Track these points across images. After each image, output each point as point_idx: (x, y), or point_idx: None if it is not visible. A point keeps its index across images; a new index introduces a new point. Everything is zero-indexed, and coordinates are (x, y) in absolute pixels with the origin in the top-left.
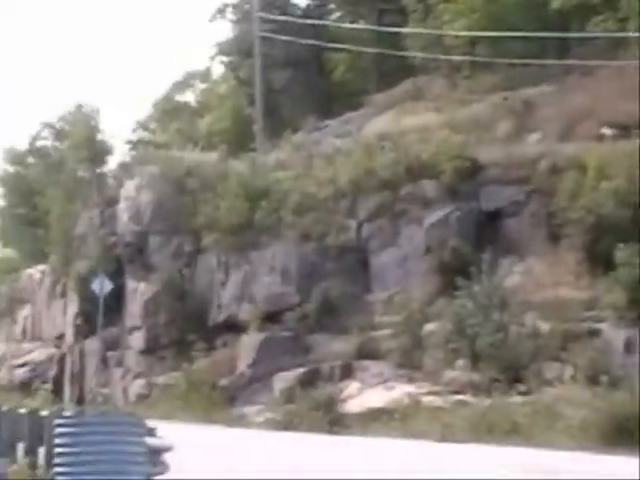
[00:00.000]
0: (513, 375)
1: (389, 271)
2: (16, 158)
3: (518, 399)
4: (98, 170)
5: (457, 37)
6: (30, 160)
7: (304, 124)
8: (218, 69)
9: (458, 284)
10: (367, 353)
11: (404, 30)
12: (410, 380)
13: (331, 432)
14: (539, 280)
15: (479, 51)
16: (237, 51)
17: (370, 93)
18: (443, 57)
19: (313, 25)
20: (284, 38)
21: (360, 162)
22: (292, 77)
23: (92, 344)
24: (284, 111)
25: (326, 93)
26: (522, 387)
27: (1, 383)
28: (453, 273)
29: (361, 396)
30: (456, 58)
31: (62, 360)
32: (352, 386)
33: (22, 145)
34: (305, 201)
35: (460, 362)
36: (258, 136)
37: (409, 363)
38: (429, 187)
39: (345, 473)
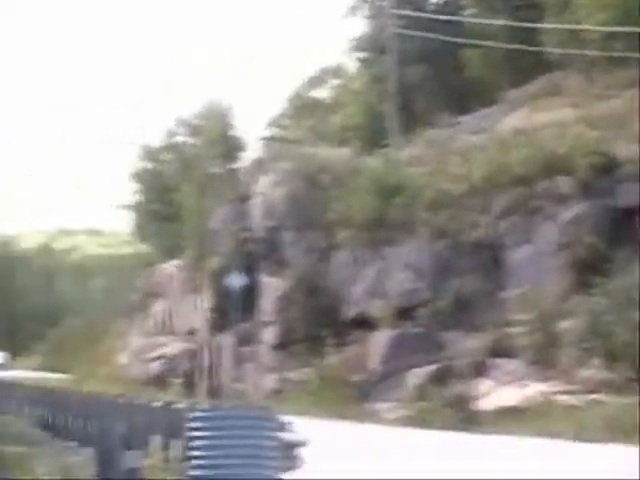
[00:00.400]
0: None
1: (523, 268)
2: (151, 155)
3: None
4: (231, 166)
5: (594, 32)
6: (165, 157)
7: (438, 120)
8: (352, 65)
9: (593, 281)
10: (500, 350)
11: (540, 25)
12: (544, 378)
13: (463, 430)
14: None
15: (616, 46)
16: (371, 47)
17: (504, 89)
18: (579, 52)
19: (447, 21)
20: (418, 34)
21: (495, 158)
22: (426, 73)
23: (226, 339)
24: (418, 107)
25: (460, 89)
26: None
27: (136, 377)
28: (588, 270)
29: (494, 394)
30: (593, 53)
31: (195, 354)
32: (485, 384)
33: (157, 142)
34: (439, 197)
35: (595, 361)
36: (392, 132)
37: (543, 361)
38: (564, 183)
39: (478, 473)
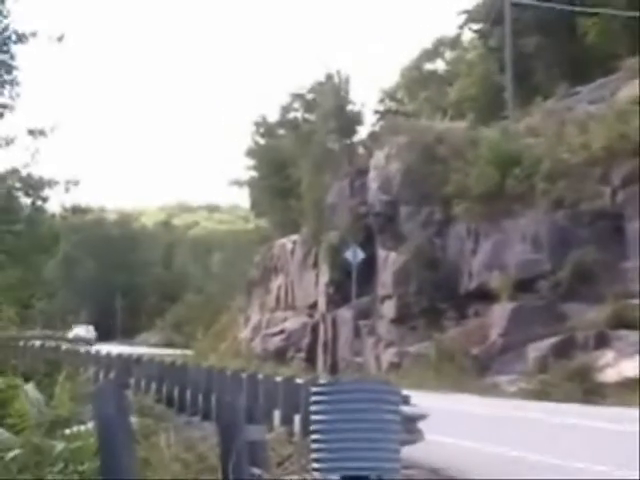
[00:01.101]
0: None
1: None
2: (267, 130)
3: None
4: (348, 140)
5: None
6: (281, 132)
7: (556, 90)
8: (467, 36)
9: None
10: (623, 322)
11: None
12: None
13: (586, 402)
14: None
15: None
16: (486, 18)
17: (623, 57)
18: None
19: None
20: (534, 3)
21: (614, 127)
22: (543, 43)
23: (344, 313)
24: (535, 77)
25: (578, 58)
26: None
27: (256, 351)
28: None
29: (617, 366)
30: None
31: (315, 329)
32: (607, 355)
33: (273, 117)
34: (557, 168)
35: None
36: (509, 103)
37: None
38: None
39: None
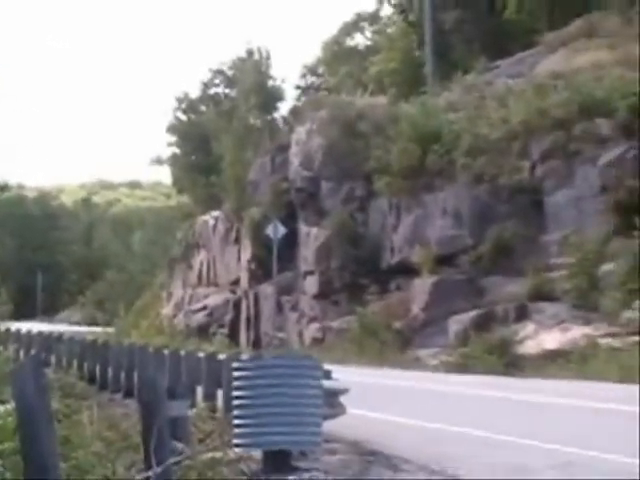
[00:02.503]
0: None
1: (564, 211)
2: (188, 106)
3: None
4: (269, 116)
5: None
6: (202, 108)
7: (475, 65)
8: (387, 11)
9: (635, 224)
10: (542, 294)
11: None
12: (586, 321)
13: (506, 374)
14: None
15: None
16: None
17: (541, 32)
18: None
19: None
20: None
21: (533, 102)
22: (462, 17)
23: (267, 289)
24: (454, 52)
25: (497, 33)
26: None
27: (179, 328)
28: (629, 213)
29: (537, 338)
30: None
31: (238, 305)
32: (527, 328)
33: (194, 93)
34: (477, 143)
35: (638, 302)
36: (429, 78)
37: (585, 304)
38: (604, 126)
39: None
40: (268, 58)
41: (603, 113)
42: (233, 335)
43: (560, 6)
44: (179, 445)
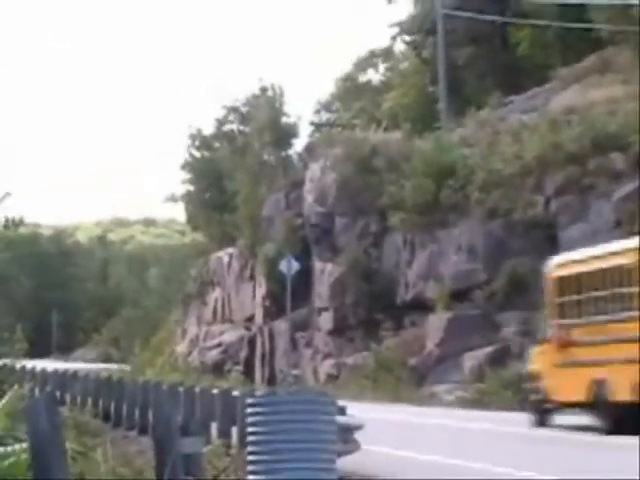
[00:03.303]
0: None
1: (578, 246)
2: (202, 143)
3: None
4: (283, 153)
5: None
6: (216, 144)
7: (489, 100)
8: (400, 47)
9: None
10: None
11: (590, 2)
12: None
13: (522, 410)
14: None
15: None
16: (419, 29)
17: (555, 67)
18: (630, 28)
19: (496, 0)
20: (466, 14)
21: (546, 137)
22: (475, 53)
23: (281, 325)
24: (468, 88)
25: (510, 69)
26: None
27: (194, 365)
28: None
29: None
30: None
31: (252, 341)
32: None
33: (208, 129)
34: (491, 178)
35: None
36: (442, 114)
37: None
38: (617, 160)
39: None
40: (282, 95)
41: (617, 147)
42: (248, 372)
43: (573, 42)
44: None
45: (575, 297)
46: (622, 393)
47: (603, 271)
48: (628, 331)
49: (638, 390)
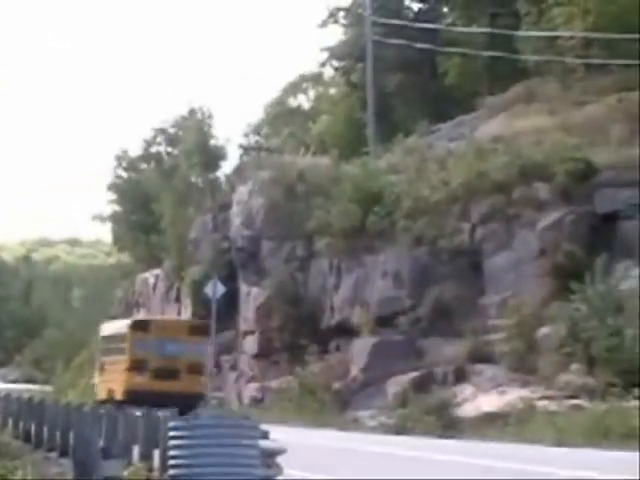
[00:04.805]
0: (630, 379)
1: (503, 274)
2: (129, 164)
3: (635, 403)
4: (211, 175)
5: (570, 39)
6: (143, 166)
7: (416, 127)
8: (330, 72)
9: (572, 288)
10: (481, 357)
11: (517, 33)
12: (524, 384)
13: (445, 437)
14: None
15: (593, 52)
16: (349, 55)
17: (482, 96)
18: (557, 59)
19: (426, 29)
20: (396, 42)
21: (473, 165)
22: (404, 81)
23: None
24: (396, 114)
25: (438, 96)
26: (638, 391)
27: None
28: (567, 277)
29: (475, 400)
30: (570, 60)
31: None
32: (466, 390)
33: (135, 151)
34: (418, 205)
35: (575, 366)
36: (370, 140)
37: (523, 367)
38: (542, 190)
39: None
40: (210, 117)
41: (542, 177)
42: None
43: (501, 71)
44: None
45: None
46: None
47: (116, 335)
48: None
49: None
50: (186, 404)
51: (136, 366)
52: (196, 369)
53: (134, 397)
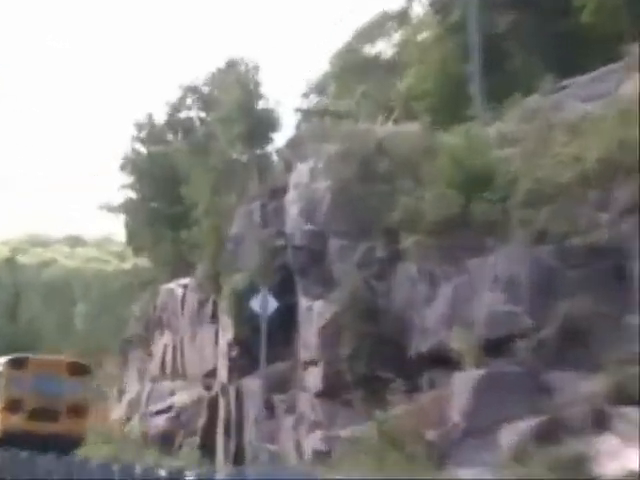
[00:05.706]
0: None
1: None
2: (151, 135)
3: None
4: (259, 150)
5: None
6: (169, 137)
7: (538, 83)
8: (420, 9)
9: None
10: (628, 396)
11: None
12: None
13: None
14: None
15: None
16: None
17: (628, 41)
18: None
19: None
20: None
21: (616, 134)
22: (521, 20)
23: (253, 384)
24: (510, 66)
25: (569, 41)
26: None
27: (134, 435)
28: None
29: (620, 454)
30: None
31: (213, 405)
32: (608, 441)
33: (159, 117)
34: (541, 188)
35: None
36: (475, 100)
37: None
38: None
39: None
40: (257, 70)
41: None
42: (207, 445)
43: None
44: None
45: None
46: None
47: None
48: None
49: None
50: (65, 447)
51: (12, 406)
52: (77, 410)
53: (10, 438)
